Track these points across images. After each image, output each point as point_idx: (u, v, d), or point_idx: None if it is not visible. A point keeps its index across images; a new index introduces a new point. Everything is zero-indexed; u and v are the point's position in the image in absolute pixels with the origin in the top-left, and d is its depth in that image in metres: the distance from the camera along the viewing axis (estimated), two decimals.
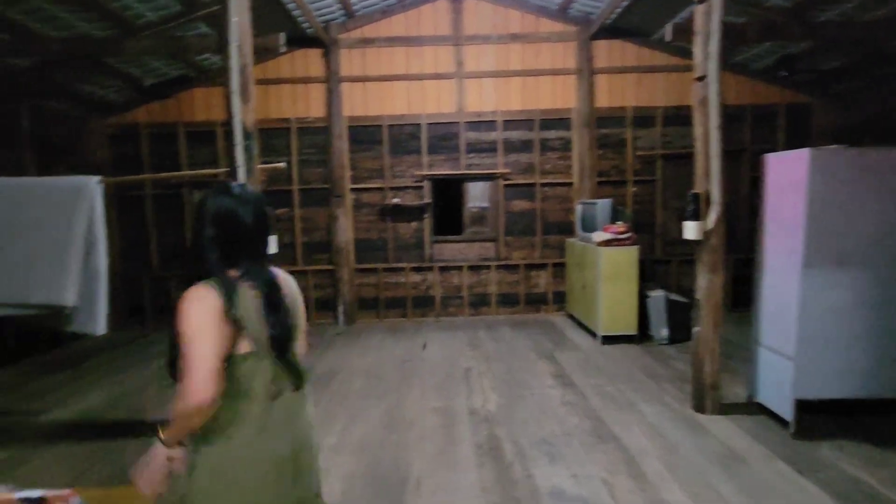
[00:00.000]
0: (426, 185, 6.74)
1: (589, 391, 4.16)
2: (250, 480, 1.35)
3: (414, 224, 6.83)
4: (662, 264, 6.73)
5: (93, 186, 3.34)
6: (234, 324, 1.31)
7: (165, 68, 6.05)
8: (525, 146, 6.72)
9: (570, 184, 6.74)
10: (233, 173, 3.41)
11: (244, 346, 1.33)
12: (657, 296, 5.47)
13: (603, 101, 6.62)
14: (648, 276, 6.27)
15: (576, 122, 6.63)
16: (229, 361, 1.31)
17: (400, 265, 6.85)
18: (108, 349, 5.83)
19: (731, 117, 5.87)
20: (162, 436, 1.32)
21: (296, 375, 1.45)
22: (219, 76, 6.35)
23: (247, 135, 3.39)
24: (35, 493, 2.18)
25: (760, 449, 3.11)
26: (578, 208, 6.25)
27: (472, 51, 6.64)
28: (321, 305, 6.88)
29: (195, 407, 1.24)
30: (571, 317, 6.58)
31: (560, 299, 6.86)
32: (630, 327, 5.39)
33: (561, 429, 3.49)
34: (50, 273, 3.20)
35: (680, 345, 5.28)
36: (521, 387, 4.31)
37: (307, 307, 6.77)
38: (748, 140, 6.56)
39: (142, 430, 3.65)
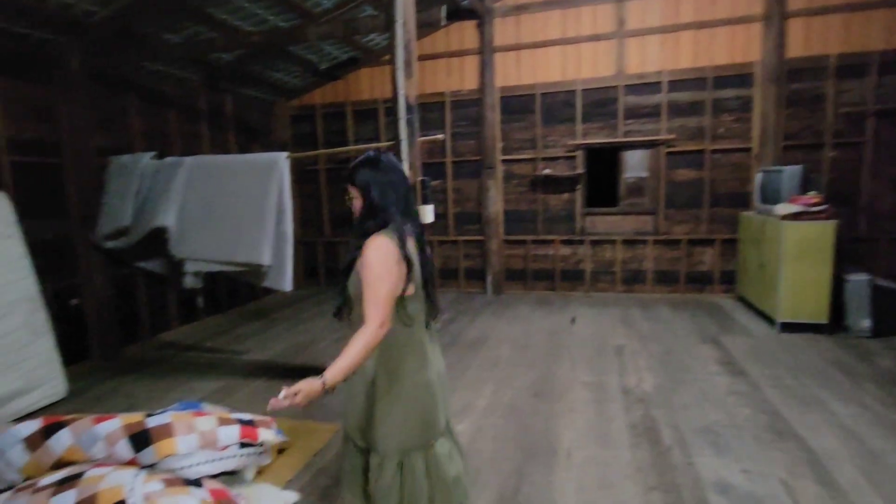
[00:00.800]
0: (579, 154, 6.48)
1: (763, 382, 3.72)
2: (429, 394, 1.65)
3: (565, 195, 6.64)
4: (867, 243, 5.65)
5: (282, 161, 3.81)
6: (407, 264, 1.57)
7: (336, 52, 6.61)
8: (694, 109, 6.06)
9: (747, 149, 5.95)
10: (396, 146, 3.62)
11: (410, 288, 1.60)
12: (858, 280, 4.63)
13: (796, 49, 5.66)
14: (847, 256, 5.32)
15: (759, 78, 5.78)
16: (402, 300, 1.59)
17: (549, 237, 6.74)
18: (291, 304, 6.72)
19: None
20: (328, 375, 1.47)
21: (435, 311, 1.74)
22: (383, 55, 6.78)
23: (409, 109, 3.57)
24: (246, 416, 2.63)
25: None
26: (758, 177, 5.50)
27: (636, 6, 6.11)
28: (470, 275, 7.10)
29: (380, 336, 1.50)
30: (742, 299, 5.90)
31: (728, 279, 6.18)
32: (819, 315, 4.66)
33: (729, 419, 3.19)
34: (251, 236, 3.76)
35: (886, 339, 4.45)
36: (680, 370, 4.01)
37: (457, 276, 7.08)
38: None
39: (319, 374, 4.20)
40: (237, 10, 4.99)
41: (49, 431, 2.37)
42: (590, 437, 3.06)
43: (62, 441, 2.34)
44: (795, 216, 4.66)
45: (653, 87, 6.15)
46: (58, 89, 4.43)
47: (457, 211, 7.04)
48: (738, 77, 5.88)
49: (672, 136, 6.10)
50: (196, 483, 2.30)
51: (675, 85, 6.08)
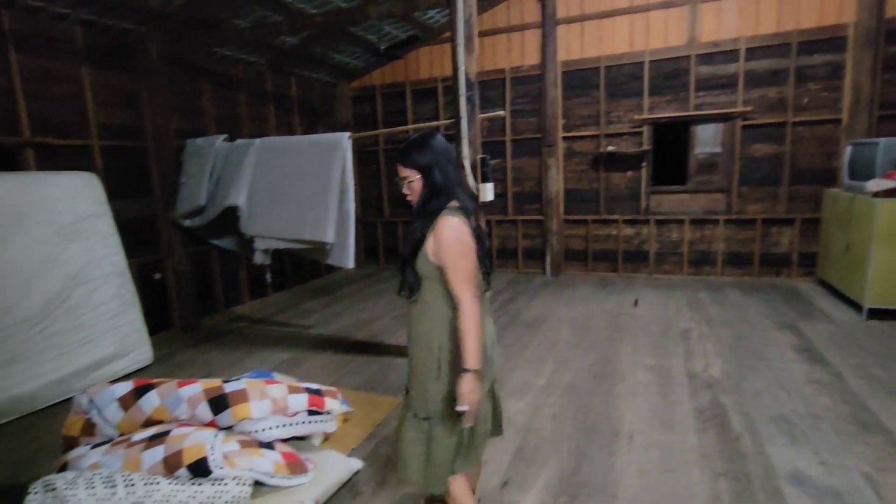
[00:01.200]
0: (646, 130, 6.19)
1: (847, 372, 3.47)
2: (484, 357, 1.70)
3: (629, 173, 6.39)
4: None
5: (345, 141, 3.90)
6: (477, 240, 1.67)
7: (396, 31, 6.61)
8: (775, 78, 5.62)
9: (836, 121, 5.47)
10: (456, 124, 3.61)
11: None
12: None
13: None
14: None
15: (853, 41, 5.27)
16: None
17: (612, 217, 6.53)
18: (352, 282, 6.93)
19: None
20: (471, 363, 1.60)
21: (489, 283, 1.81)
22: (442, 32, 6.73)
23: (469, 85, 3.53)
24: (314, 386, 2.75)
25: None
26: (848, 150, 5.05)
27: None
28: (528, 255, 7.02)
29: (477, 307, 1.61)
30: (823, 283, 5.50)
31: (808, 262, 5.77)
32: None
33: (806, 409, 3.01)
34: (316, 214, 3.89)
35: None
36: (752, 356, 3.81)
37: (515, 256, 7.03)
38: None
39: (379, 350, 4.33)
40: None
41: (140, 392, 2.58)
42: (653, 420, 2.98)
43: (151, 401, 2.55)
44: (890, 193, 4.26)
45: (728, 55, 5.75)
46: (140, 76, 4.72)
47: (516, 190, 6.95)
48: (828, 41, 5.39)
49: (749, 109, 5.70)
50: (269, 446, 2.45)
51: (754, 52, 5.65)
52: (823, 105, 5.50)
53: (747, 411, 3.02)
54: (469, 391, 1.59)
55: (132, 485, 2.16)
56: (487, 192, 3.64)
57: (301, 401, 2.63)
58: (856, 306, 4.67)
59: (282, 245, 4.20)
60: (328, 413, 2.73)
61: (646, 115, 6.13)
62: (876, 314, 4.42)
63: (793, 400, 3.12)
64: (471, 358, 1.59)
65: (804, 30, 5.44)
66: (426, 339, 1.73)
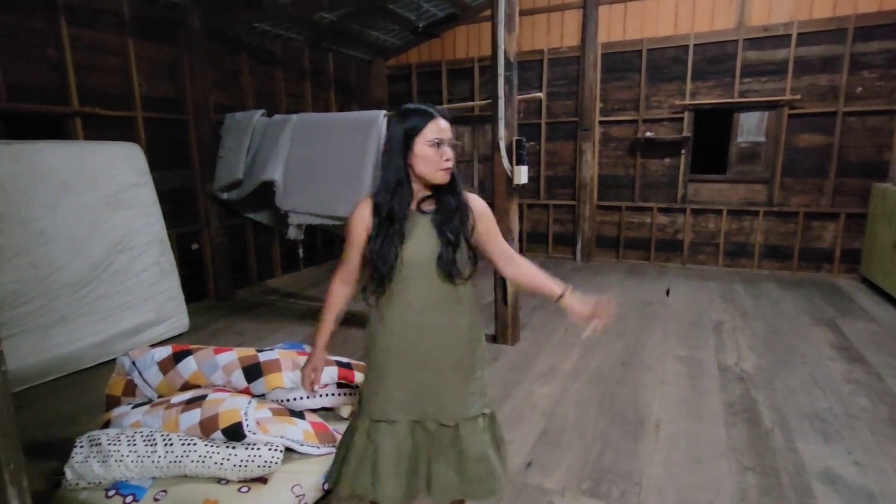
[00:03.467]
0: (687, 116, 6.01)
1: (887, 373, 3.35)
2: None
3: (667, 160, 6.23)
4: None
5: (381, 119, 3.90)
6: None
7: (434, 9, 6.53)
8: (827, 65, 5.36)
9: (891, 112, 5.19)
10: (493, 105, 3.56)
11: None
12: None
13: None
14: None
15: None
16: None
17: (646, 205, 6.40)
18: None
19: None
20: (562, 289, 1.70)
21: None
22: (481, 11, 6.62)
23: (508, 65, 3.48)
24: (343, 360, 2.81)
25: None
26: None
27: None
28: (559, 240, 6.95)
29: None
30: (867, 281, 5.30)
31: (852, 258, 5.55)
32: None
33: (842, 408, 2.93)
34: (350, 190, 3.92)
35: None
36: (787, 351, 3.72)
37: (546, 241, 6.97)
38: None
39: None
40: None
41: (178, 357, 2.68)
42: (681, 411, 2.95)
43: (189, 366, 2.65)
44: None
45: (779, 40, 5.50)
46: (182, 50, 4.80)
47: (549, 174, 6.86)
48: (888, 27, 5.09)
49: (797, 97, 5.46)
50: (299, 415, 2.53)
51: (807, 38, 5.39)
52: (878, 95, 5.23)
53: (779, 407, 2.96)
54: (598, 307, 1.61)
55: (170, 444, 2.26)
56: (522, 175, 3.61)
57: (331, 373, 2.69)
58: None
59: (316, 221, 4.26)
60: (357, 386, 2.78)
61: (687, 101, 5.94)
62: None
63: (828, 398, 3.04)
64: (552, 283, 1.68)
65: (862, 14, 5.16)
66: (469, 333, 1.62)
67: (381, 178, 1.52)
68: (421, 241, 1.50)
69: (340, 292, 1.71)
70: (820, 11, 5.32)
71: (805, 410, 2.91)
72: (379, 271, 1.50)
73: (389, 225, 1.48)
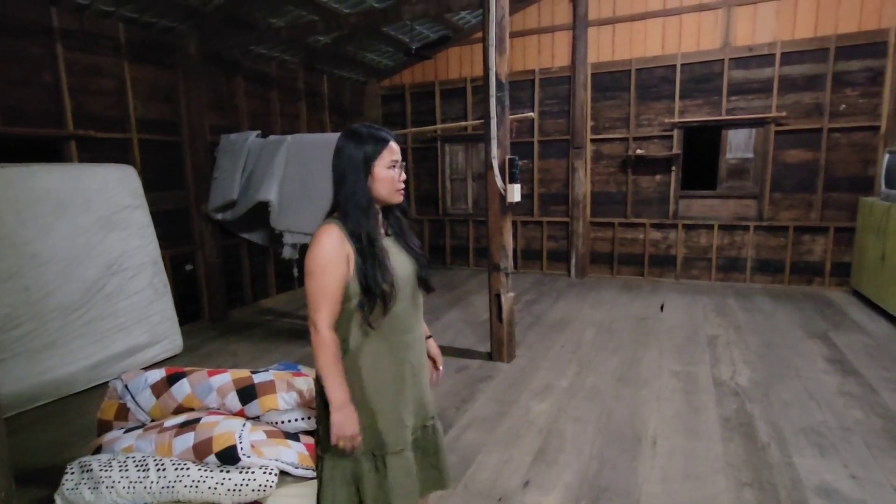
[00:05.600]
0: (676, 133, 6.11)
1: (880, 384, 3.37)
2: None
3: (658, 177, 6.31)
4: None
5: None
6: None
7: (427, 31, 6.65)
8: (811, 83, 5.49)
9: (873, 128, 5.31)
10: (486, 124, 3.62)
11: None
12: None
13: None
14: None
15: (894, 47, 5.12)
16: None
17: (639, 220, 6.46)
18: None
19: None
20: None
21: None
22: (473, 33, 6.74)
23: (500, 86, 3.54)
24: None
25: None
26: (886, 158, 4.90)
27: None
28: (553, 256, 6.99)
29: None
30: (857, 294, 5.35)
31: (842, 272, 5.62)
32: None
33: (837, 421, 2.94)
34: None
35: None
36: (781, 365, 3.74)
37: (540, 257, 7.00)
38: None
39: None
40: None
41: (172, 380, 2.66)
42: (677, 426, 2.95)
43: (182, 389, 2.63)
44: None
45: (763, 59, 5.64)
46: (178, 73, 4.86)
47: (542, 191, 6.92)
48: (868, 46, 5.24)
49: (783, 114, 5.58)
50: (294, 437, 2.51)
51: (790, 57, 5.53)
52: (861, 111, 5.35)
53: (775, 421, 2.96)
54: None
55: (163, 469, 2.23)
56: (514, 193, 3.65)
57: None
58: (891, 318, 4.54)
59: (310, 240, 4.26)
60: None
61: (676, 119, 6.05)
62: None
63: (823, 411, 3.05)
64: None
65: (843, 34, 5.30)
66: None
67: (348, 202, 1.47)
68: (398, 259, 1.53)
69: (336, 340, 1.48)
70: (802, 32, 5.47)
71: (800, 424, 2.92)
72: (383, 293, 1.45)
73: (371, 247, 1.47)
